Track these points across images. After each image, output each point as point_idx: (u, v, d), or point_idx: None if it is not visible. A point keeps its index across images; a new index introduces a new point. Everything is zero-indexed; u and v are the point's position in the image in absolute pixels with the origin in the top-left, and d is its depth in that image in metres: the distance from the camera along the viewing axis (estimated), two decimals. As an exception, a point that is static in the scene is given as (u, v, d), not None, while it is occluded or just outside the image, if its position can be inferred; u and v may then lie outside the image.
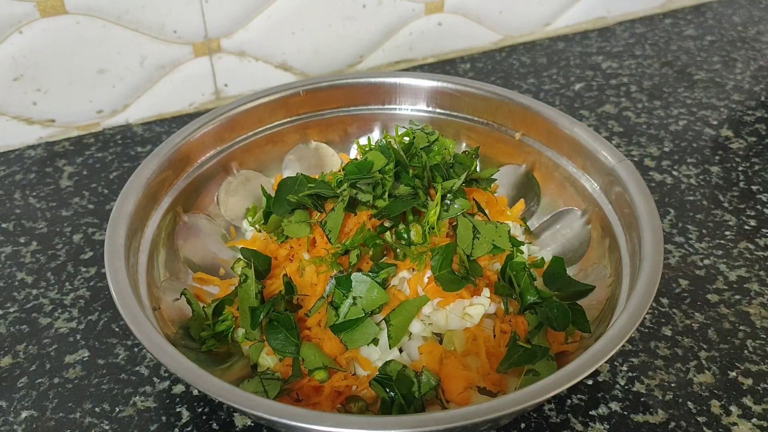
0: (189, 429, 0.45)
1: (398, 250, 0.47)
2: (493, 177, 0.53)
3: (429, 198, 0.48)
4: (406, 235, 0.47)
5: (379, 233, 0.47)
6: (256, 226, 0.55)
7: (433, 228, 0.46)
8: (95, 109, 0.72)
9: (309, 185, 0.51)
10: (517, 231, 0.53)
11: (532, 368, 0.43)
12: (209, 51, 0.72)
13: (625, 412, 0.46)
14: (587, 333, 0.46)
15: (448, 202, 0.47)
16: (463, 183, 0.49)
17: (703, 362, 0.49)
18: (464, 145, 0.60)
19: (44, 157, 0.69)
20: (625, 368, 0.48)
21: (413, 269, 0.45)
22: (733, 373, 0.48)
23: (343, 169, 0.50)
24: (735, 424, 0.45)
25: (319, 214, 0.49)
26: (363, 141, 0.62)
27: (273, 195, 0.53)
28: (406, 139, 0.52)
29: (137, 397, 0.47)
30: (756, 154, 0.69)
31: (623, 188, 0.49)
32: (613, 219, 0.50)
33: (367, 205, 0.47)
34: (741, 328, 0.51)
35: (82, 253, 0.58)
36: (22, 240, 0.60)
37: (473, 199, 0.50)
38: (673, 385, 0.47)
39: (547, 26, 0.89)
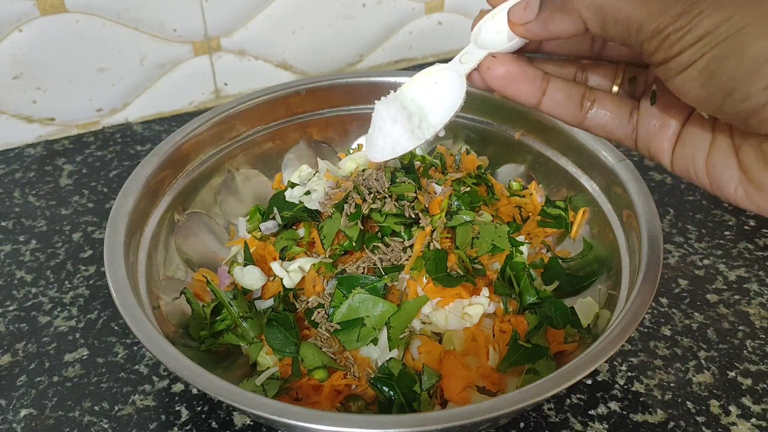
0: (188, 428, 0.45)
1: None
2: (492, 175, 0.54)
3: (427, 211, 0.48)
4: (406, 236, 0.47)
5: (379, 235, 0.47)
6: (254, 233, 0.55)
7: (434, 230, 0.46)
8: (95, 107, 0.72)
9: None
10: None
11: (532, 367, 0.43)
12: (209, 50, 0.72)
13: (625, 412, 0.46)
14: (584, 333, 0.46)
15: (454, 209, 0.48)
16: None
17: (703, 362, 0.49)
18: (464, 144, 0.60)
19: (44, 156, 0.69)
20: (624, 368, 0.48)
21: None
22: (732, 373, 0.48)
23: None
24: (734, 423, 0.45)
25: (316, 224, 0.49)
26: (363, 140, 0.62)
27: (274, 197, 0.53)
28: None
29: (136, 396, 0.47)
30: (756, 154, 0.69)
31: (623, 188, 0.48)
32: (613, 219, 0.50)
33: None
34: (740, 328, 0.51)
35: (81, 251, 0.58)
36: (21, 238, 0.60)
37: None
38: (672, 384, 0.47)
39: (547, 26, 0.89)
